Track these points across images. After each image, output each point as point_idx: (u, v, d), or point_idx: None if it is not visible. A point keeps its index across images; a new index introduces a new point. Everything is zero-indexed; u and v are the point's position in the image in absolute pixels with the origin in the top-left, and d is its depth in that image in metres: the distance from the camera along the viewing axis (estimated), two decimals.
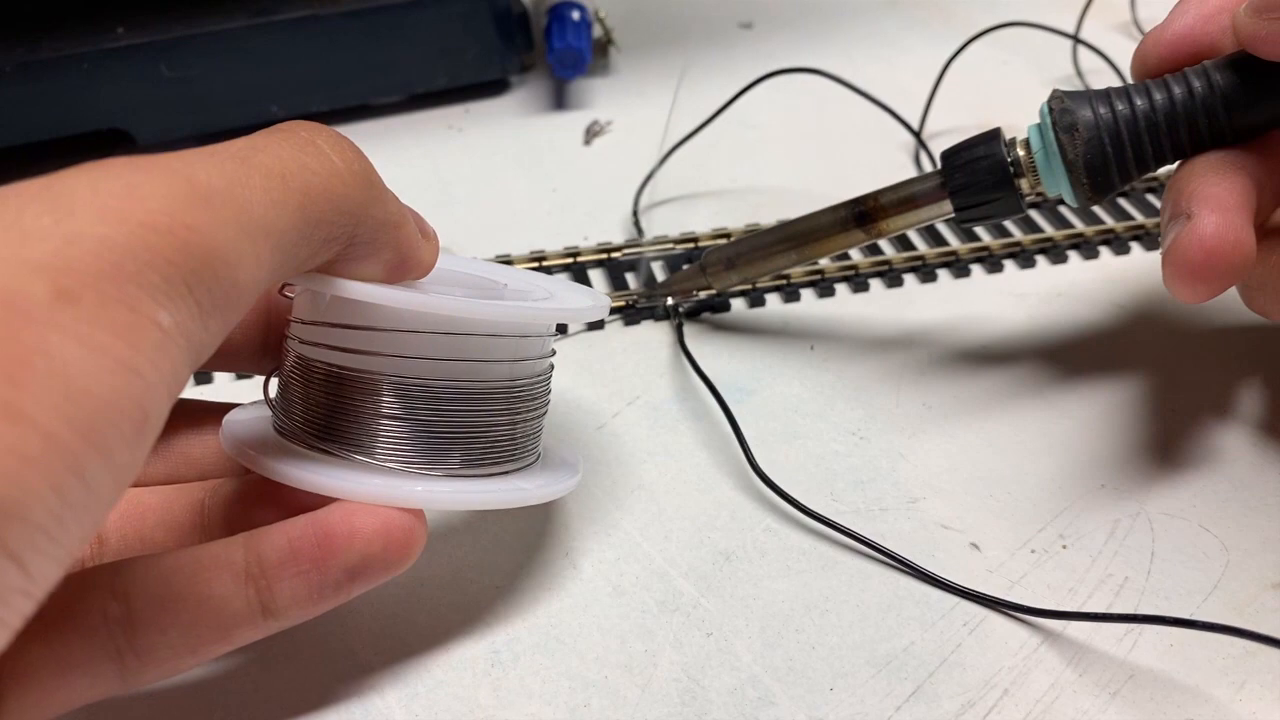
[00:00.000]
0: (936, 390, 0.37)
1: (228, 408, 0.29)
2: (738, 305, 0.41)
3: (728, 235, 0.44)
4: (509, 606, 0.30)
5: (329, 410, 0.26)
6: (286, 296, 0.28)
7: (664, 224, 0.46)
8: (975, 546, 0.31)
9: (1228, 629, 0.26)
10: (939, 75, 0.50)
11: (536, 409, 0.29)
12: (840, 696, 0.28)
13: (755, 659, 0.29)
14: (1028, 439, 0.35)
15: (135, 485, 0.28)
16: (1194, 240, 0.27)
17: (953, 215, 0.33)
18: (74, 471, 0.16)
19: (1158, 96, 0.30)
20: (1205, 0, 0.31)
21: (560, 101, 0.55)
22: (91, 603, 0.23)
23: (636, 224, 0.45)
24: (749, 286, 0.41)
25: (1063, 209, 0.45)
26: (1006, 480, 0.33)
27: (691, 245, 0.43)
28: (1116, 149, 0.30)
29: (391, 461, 0.26)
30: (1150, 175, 0.33)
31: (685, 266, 0.40)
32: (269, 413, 0.28)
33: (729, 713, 0.27)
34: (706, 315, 0.41)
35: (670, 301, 0.40)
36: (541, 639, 0.29)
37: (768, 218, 0.45)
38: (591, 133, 0.52)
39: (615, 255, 0.43)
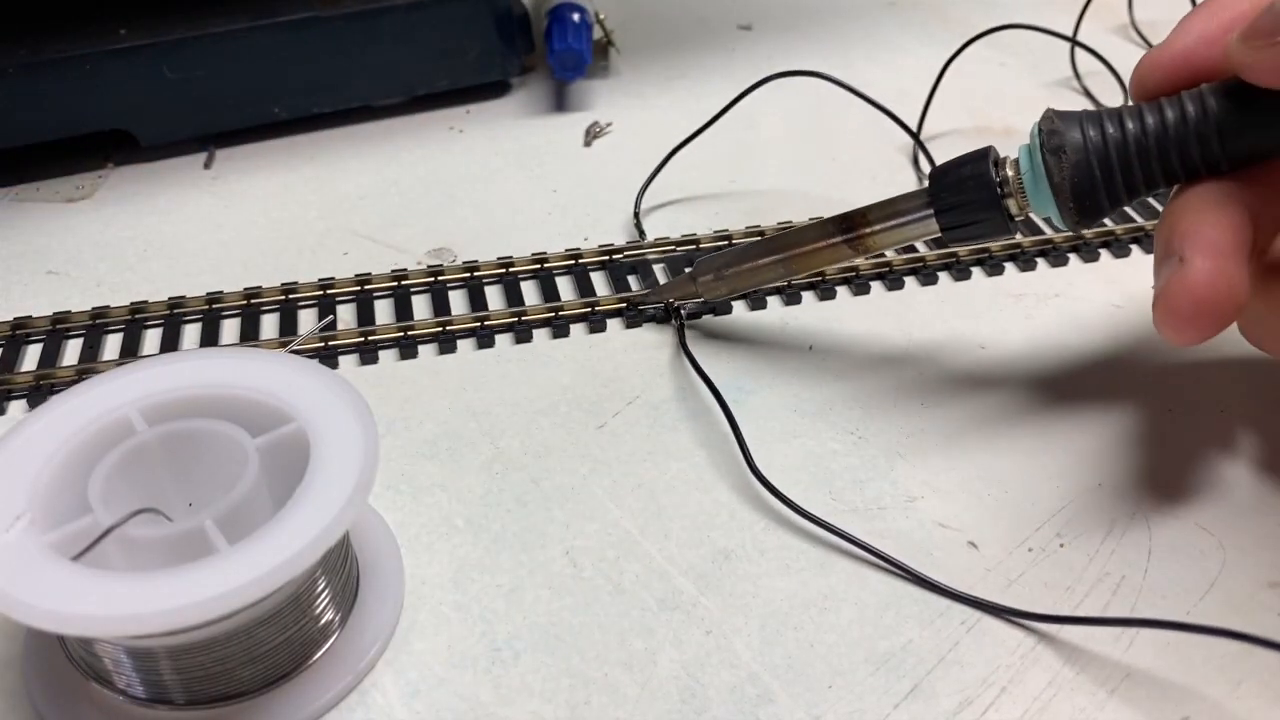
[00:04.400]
0: (934, 389, 0.37)
1: None
2: (739, 308, 0.41)
3: (728, 237, 0.44)
4: (510, 605, 0.30)
5: None
6: None
7: (664, 226, 0.46)
8: (973, 545, 0.32)
9: (1223, 631, 0.27)
10: (937, 77, 0.51)
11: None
12: (839, 694, 0.28)
13: (754, 657, 0.29)
14: (1025, 438, 0.35)
15: None
16: (1184, 288, 0.27)
17: (939, 234, 0.33)
18: None
19: (1150, 120, 0.29)
20: (1209, 20, 0.29)
21: (560, 103, 0.55)
22: None
23: (638, 226, 0.45)
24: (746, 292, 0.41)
25: None
26: (1004, 479, 0.34)
27: (693, 247, 0.44)
28: (1105, 173, 0.29)
29: None
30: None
31: (686, 270, 0.40)
32: None
33: (728, 710, 0.27)
34: (708, 317, 0.41)
35: (673, 303, 0.40)
36: (542, 637, 0.29)
37: (768, 219, 0.45)
38: (591, 134, 0.52)
39: (617, 257, 0.43)
